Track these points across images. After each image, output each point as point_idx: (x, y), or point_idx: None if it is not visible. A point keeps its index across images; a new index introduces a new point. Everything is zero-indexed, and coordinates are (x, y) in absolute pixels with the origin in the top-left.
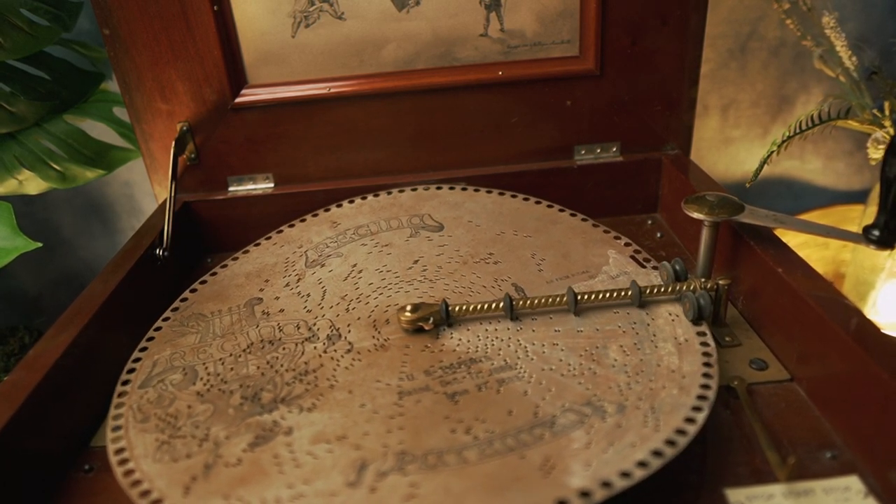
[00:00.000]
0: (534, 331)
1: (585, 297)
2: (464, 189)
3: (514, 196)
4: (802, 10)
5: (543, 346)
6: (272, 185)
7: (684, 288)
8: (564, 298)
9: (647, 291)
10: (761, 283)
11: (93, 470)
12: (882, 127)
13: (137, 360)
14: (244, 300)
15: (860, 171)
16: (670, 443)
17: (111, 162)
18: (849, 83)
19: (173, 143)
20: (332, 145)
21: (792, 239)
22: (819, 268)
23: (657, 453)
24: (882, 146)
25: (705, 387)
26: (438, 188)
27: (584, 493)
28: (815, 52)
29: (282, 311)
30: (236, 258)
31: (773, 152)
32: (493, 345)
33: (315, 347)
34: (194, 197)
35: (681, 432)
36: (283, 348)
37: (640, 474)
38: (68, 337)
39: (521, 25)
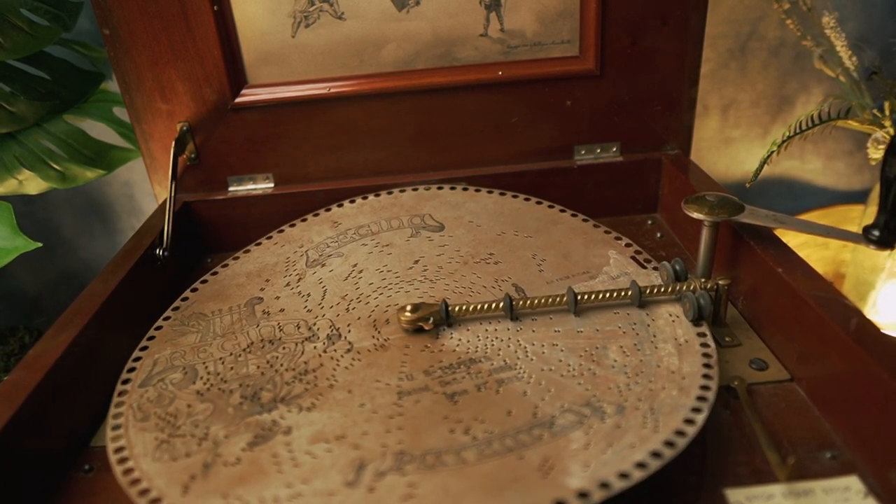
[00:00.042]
0: (534, 331)
1: (585, 297)
2: (465, 189)
3: (515, 196)
4: (802, 10)
5: (543, 346)
6: (272, 185)
7: (684, 288)
8: (564, 298)
9: (647, 291)
10: (761, 283)
11: (93, 470)
12: (882, 127)
13: (138, 359)
14: (245, 299)
15: (860, 171)
16: (669, 444)
17: (111, 162)
18: (849, 83)
19: (173, 143)
20: (332, 145)
21: (792, 239)
22: (819, 268)
23: (656, 454)
24: (882, 146)
25: (705, 388)
26: (439, 188)
27: (583, 494)
28: (815, 52)
29: (282, 310)
30: (237, 257)
31: (773, 152)
32: (492, 345)
33: (315, 347)
34: (194, 197)
35: (680, 433)
36: (283, 348)
37: (638, 475)
38: (68, 337)
39: (521, 25)
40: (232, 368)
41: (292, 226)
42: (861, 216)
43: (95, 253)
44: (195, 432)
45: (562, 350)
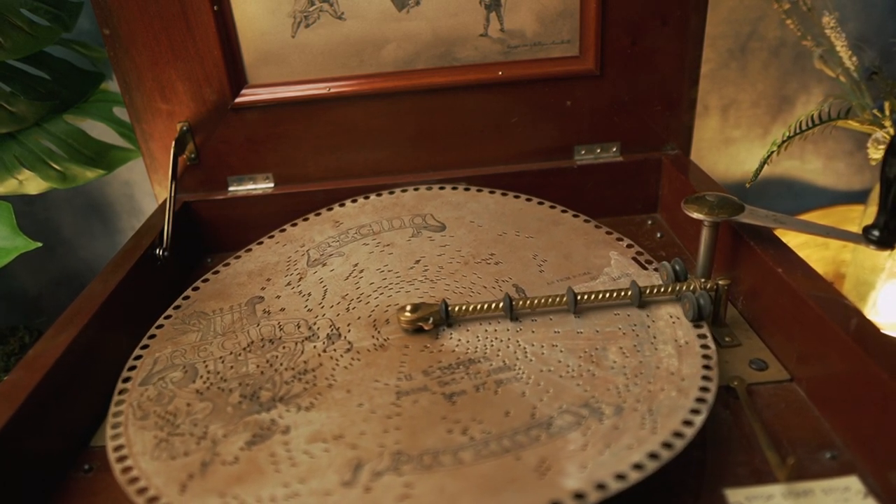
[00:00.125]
0: (533, 332)
1: (585, 297)
2: (466, 189)
3: (516, 196)
4: (803, 11)
5: (543, 347)
6: (272, 185)
7: (684, 288)
8: (564, 299)
9: (647, 291)
10: (761, 283)
11: (92, 470)
12: (882, 127)
13: (139, 357)
14: (246, 299)
15: (860, 171)
16: (667, 445)
17: (111, 162)
18: (849, 83)
19: (173, 143)
20: (332, 145)
21: (792, 239)
22: (819, 268)
23: (653, 455)
24: (882, 146)
25: (704, 389)
26: (441, 188)
27: (579, 495)
28: (815, 52)
29: (283, 309)
30: (239, 256)
31: (773, 152)
32: (492, 345)
33: (315, 347)
34: (194, 197)
35: (678, 435)
36: (283, 347)
37: (635, 476)
38: (68, 337)
39: (521, 25)
40: (232, 367)
41: (294, 225)
42: (861, 216)
43: (95, 253)
44: (194, 431)
45: (561, 351)
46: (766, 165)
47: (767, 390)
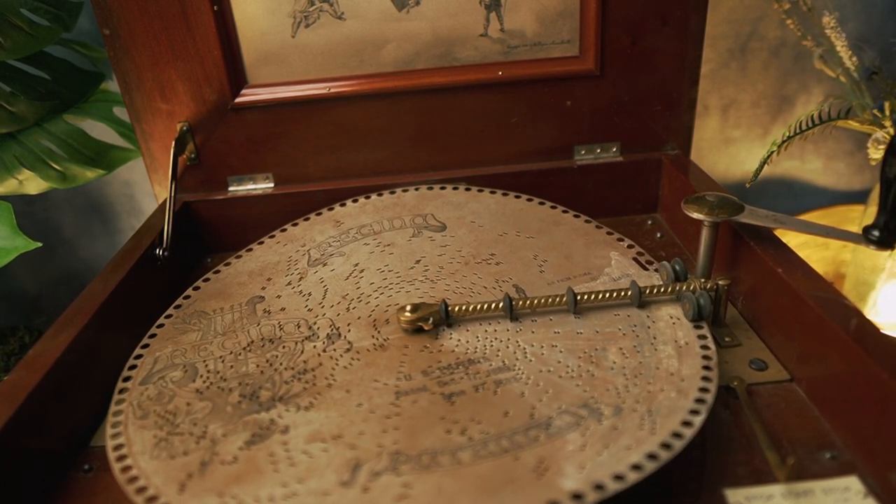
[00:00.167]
0: (533, 332)
1: (585, 297)
2: (467, 189)
3: (517, 197)
4: (803, 11)
5: (542, 347)
6: (272, 185)
7: (684, 288)
8: (564, 299)
9: (647, 292)
10: (761, 283)
11: (92, 469)
12: (882, 127)
13: (139, 356)
14: (246, 298)
15: (860, 171)
16: (666, 446)
17: (111, 162)
18: (849, 83)
19: (173, 142)
20: (332, 145)
21: (792, 239)
22: (819, 268)
23: (652, 456)
24: (882, 146)
25: (704, 390)
26: (442, 188)
27: (577, 496)
28: (815, 52)
29: (283, 309)
30: (240, 256)
31: (773, 152)
32: (491, 346)
33: (315, 346)
34: (194, 197)
35: (677, 435)
36: (283, 347)
37: (633, 477)
38: (68, 337)
39: (521, 25)
40: (232, 367)
41: (295, 225)
42: (861, 216)
43: (95, 253)
44: (194, 430)
45: (561, 351)
46: (766, 165)
47: (767, 390)
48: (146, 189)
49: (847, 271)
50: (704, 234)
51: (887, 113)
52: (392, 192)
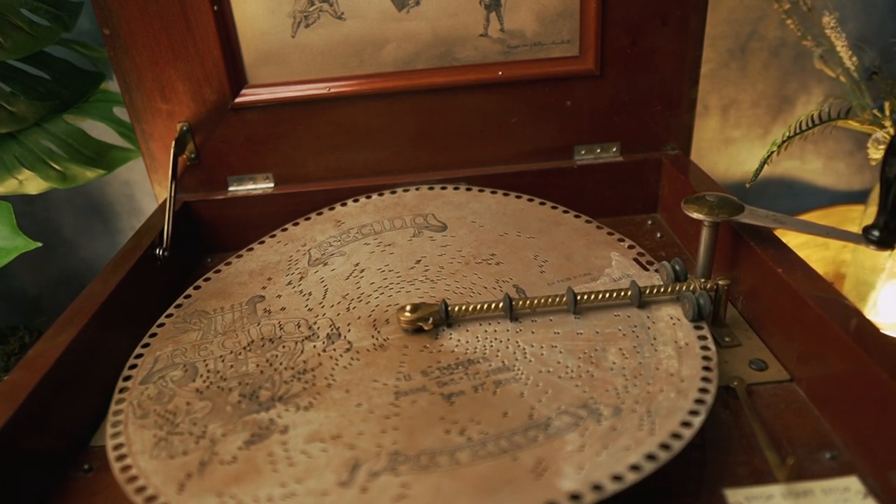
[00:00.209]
0: (533, 332)
1: (585, 297)
2: (468, 189)
3: (518, 197)
4: (803, 11)
5: (542, 347)
6: (272, 185)
7: (684, 288)
8: (564, 299)
9: (647, 292)
10: (761, 283)
11: (92, 469)
12: (882, 127)
13: (140, 356)
14: (247, 298)
15: (860, 171)
16: (665, 447)
17: (111, 162)
18: (849, 83)
19: (173, 142)
20: (332, 145)
21: (792, 239)
22: (819, 268)
23: (651, 457)
24: (882, 146)
25: (703, 391)
26: (443, 188)
27: (575, 496)
28: (815, 52)
29: (283, 309)
30: (240, 255)
31: (773, 152)
32: (491, 346)
33: (315, 346)
34: (194, 197)
35: (676, 436)
36: (283, 346)
37: (632, 478)
38: (68, 337)
39: (521, 25)
40: (232, 367)
41: (296, 224)
42: (861, 216)
43: (95, 253)
44: (193, 430)
45: (561, 352)
46: (766, 165)
47: (767, 390)
48: (146, 189)
49: (847, 271)
50: (704, 234)
51: (887, 113)
52: (393, 192)
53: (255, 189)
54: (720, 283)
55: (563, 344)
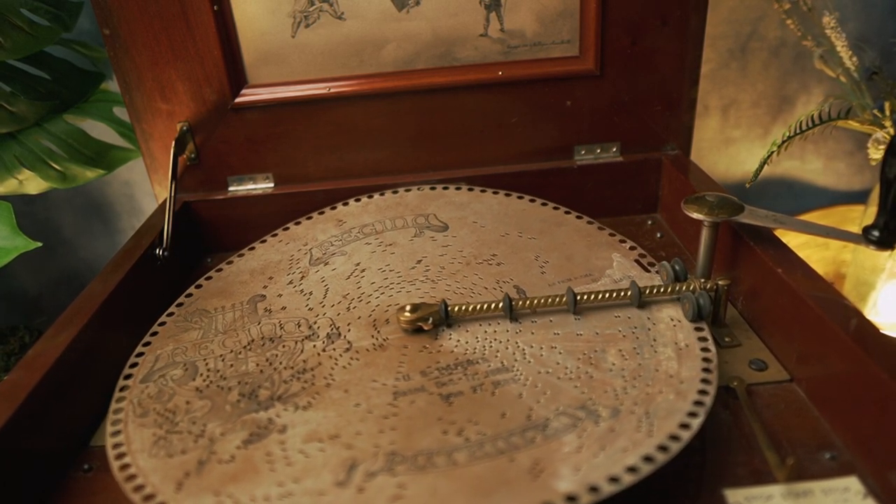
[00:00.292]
0: (533, 333)
1: (585, 297)
2: (470, 189)
3: (520, 197)
4: (803, 11)
5: (542, 348)
6: (272, 185)
7: (684, 288)
8: (564, 299)
9: (647, 292)
10: (761, 283)
11: (92, 469)
12: (882, 127)
13: (141, 354)
14: (247, 297)
15: (861, 171)
16: (663, 448)
17: (111, 162)
18: (849, 83)
19: (173, 142)
20: (332, 145)
21: (792, 239)
22: (819, 268)
23: (648, 458)
24: (882, 146)
25: (703, 392)
26: (445, 188)
27: (571, 498)
28: (815, 52)
29: (284, 308)
30: (242, 255)
31: (773, 152)
32: (490, 346)
33: (314, 346)
34: (194, 197)
35: (674, 438)
36: (283, 346)
37: (629, 479)
38: (68, 336)
39: (521, 25)
40: (232, 366)
41: (297, 223)
42: (861, 216)
43: (96, 253)
44: (192, 429)
45: (560, 353)
46: (766, 165)
47: (767, 390)
48: (146, 189)
49: (847, 271)
50: (704, 235)
51: (887, 113)
52: (395, 192)
53: (255, 189)
54: (720, 283)
55: (563, 345)
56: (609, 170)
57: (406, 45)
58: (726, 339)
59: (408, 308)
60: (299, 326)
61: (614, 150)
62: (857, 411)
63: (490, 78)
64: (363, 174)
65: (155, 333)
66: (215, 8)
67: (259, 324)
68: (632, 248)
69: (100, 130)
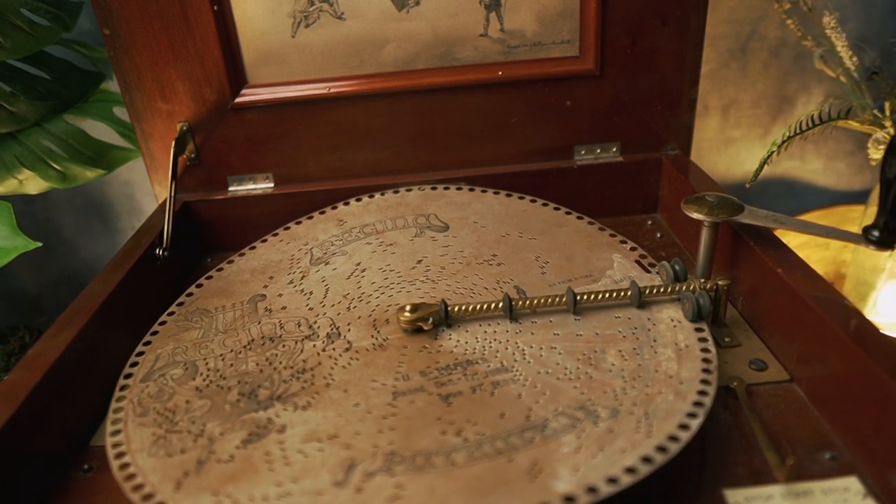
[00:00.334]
0: (532, 333)
1: (585, 297)
2: (471, 190)
3: (521, 198)
4: (803, 11)
5: (541, 349)
6: (272, 184)
7: (684, 288)
8: (564, 299)
9: (647, 292)
10: (761, 283)
11: (92, 469)
12: (882, 127)
13: (141, 353)
14: (248, 296)
15: (861, 171)
16: (661, 449)
17: (111, 162)
18: (849, 83)
19: (173, 142)
20: (332, 145)
21: (792, 239)
22: (819, 268)
23: (647, 459)
24: (882, 146)
25: (702, 393)
26: (446, 188)
27: (569, 499)
28: (815, 52)
29: (284, 308)
30: (243, 254)
31: (773, 152)
32: (490, 347)
33: (314, 345)
34: (194, 197)
35: (673, 439)
36: (283, 345)
37: (627, 480)
38: (68, 336)
39: (521, 25)
40: (232, 365)
41: (298, 223)
42: (861, 217)
43: (96, 253)
44: (192, 428)
45: (560, 353)
46: (766, 165)
47: (767, 391)
48: (146, 189)
49: (847, 271)
50: (704, 235)
51: (887, 113)
52: (396, 192)
53: (255, 189)
54: (720, 283)
55: (563, 345)
56: (609, 170)
57: (406, 45)
58: (726, 339)
59: (408, 308)
60: (299, 326)
61: (614, 150)
62: (857, 411)
63: (490, 78)
64: (363, 174)
65: (156, 332)
66: (215, 8)
67: (259, 323)
68: (632, 249)
69: (100, 130)
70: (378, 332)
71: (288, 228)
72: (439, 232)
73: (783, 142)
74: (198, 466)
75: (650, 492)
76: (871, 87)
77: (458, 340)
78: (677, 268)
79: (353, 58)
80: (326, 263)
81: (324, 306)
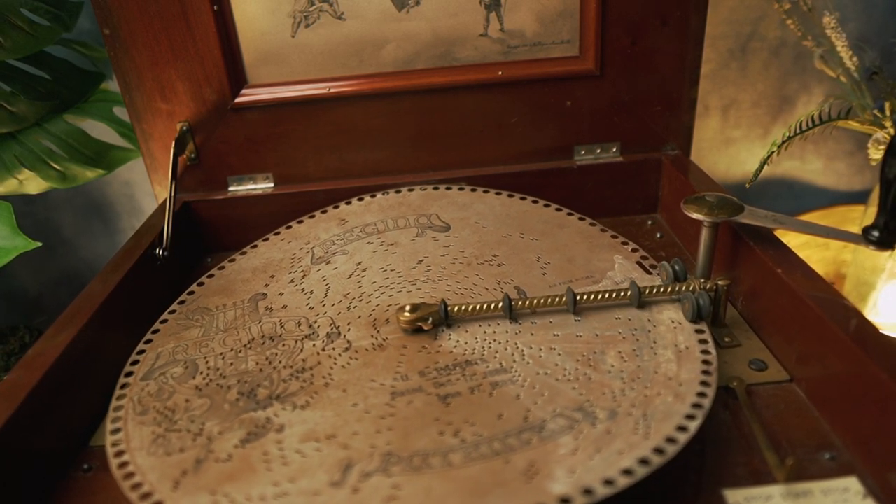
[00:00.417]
0: (532, 334)
1: (585, 297)
2: (473, 190)
3: (523, 198)
4: (803, 11)
5: (541, 349)
6: (272, 184)
7: (684, 288)
8: (563, 299)
9: (647, 292)
10: (761, 283)
11: (92, 469)
12: (883, 127)
13: (142, 352)
14: (249, 295)
15: (861, 171)
16: (659, 451)
17: (111, 162)
18: (850, 83)
19: (173, 142)
20: (332, 145)
21: (792, 239)
22: (820, 268)
23: (644, 461)
24: (882, 147)
25: (701, 395)
26: (448, 188)
27: (565, 500)
28: (815, 52)
29: (285, 307)
30: (244, 252)
31: (773, 153)
32: (489, 347)
33: (314, 345)
34: (194, 197)
35: (671, 441)
36: (283, 345)
37: (624, 482)
38: (68, 336)
39: (521, 25)
40: (231, 364)
41: (300, 222)
42: (861, 217)
43: (96, 253)
44: (191, 427)
45: (559, 354)
46: (766, 166)
47: (767, 391)
48: (146, 189)
49: (847, 272)
50: (704, 235)
51: (887, 113)
52: (398, 192)
53: (255, 189)
54: (720, 283)
55: (562, 346)
56: (609, 170)
57: (406, 45)
58: (726, 340)
59: (407, 308)
60: (299, 325)
61: (614, 150)
62: (857, 411)
63: (490, 78)
64: (363, 174)
65: (157, 331)
66: (215, 8)
67: (260, 322)
68: (634, 251)
69: (100, 130)
70: (378, 331)
71: (290, 227)
72: (441, 232)
73: (783, 142)
74: (196, 465)
75: (650, 492)
76: (871, 87)
77: (458, 341)
78: (677, 268)
79: (353, 58)
80: (328, 262)
81: (324, 306)
